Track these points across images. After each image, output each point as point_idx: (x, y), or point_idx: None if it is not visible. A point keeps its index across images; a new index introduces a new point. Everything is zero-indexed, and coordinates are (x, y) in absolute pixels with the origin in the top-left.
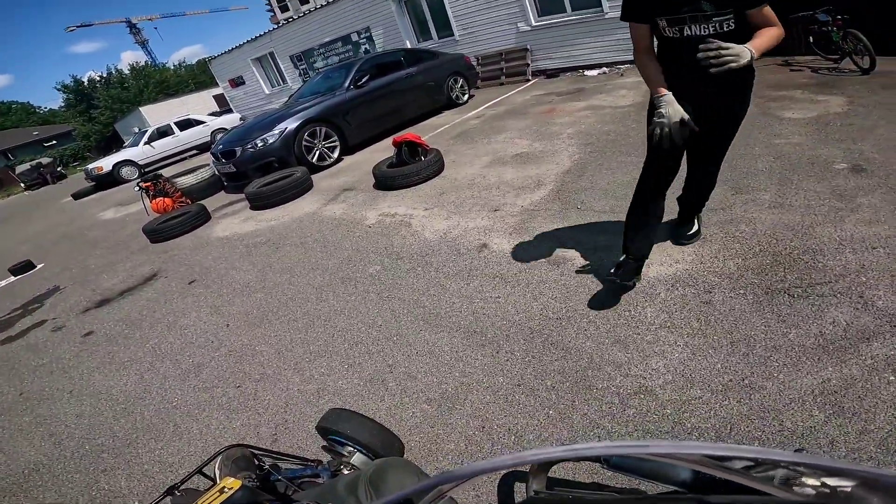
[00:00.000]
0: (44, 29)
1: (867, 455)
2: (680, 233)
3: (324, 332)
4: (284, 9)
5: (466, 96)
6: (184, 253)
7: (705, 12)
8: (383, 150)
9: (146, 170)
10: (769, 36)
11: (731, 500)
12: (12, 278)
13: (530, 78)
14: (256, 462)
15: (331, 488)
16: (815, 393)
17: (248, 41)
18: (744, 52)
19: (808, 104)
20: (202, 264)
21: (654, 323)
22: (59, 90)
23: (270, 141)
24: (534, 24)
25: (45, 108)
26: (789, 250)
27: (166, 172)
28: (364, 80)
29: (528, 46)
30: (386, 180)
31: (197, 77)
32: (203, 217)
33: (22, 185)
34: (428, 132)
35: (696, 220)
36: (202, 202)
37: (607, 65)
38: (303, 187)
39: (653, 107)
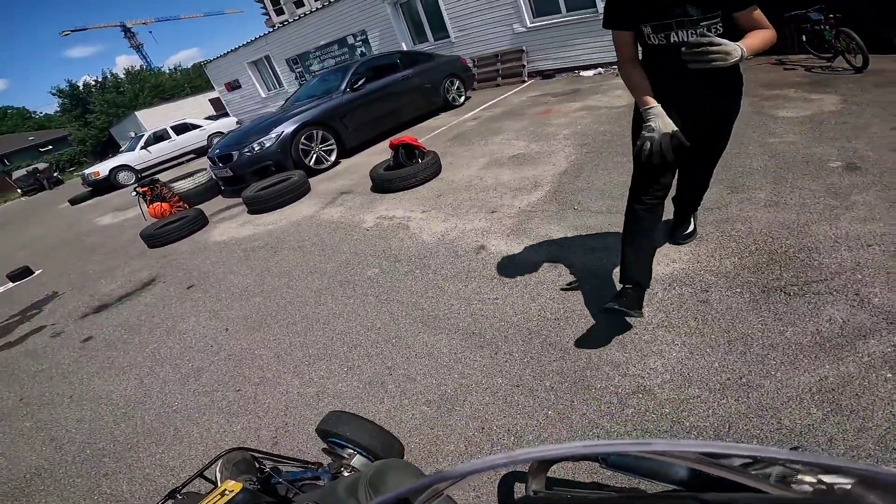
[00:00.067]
0: (38, 33)
1: (865, 452)
2: (676, 233)
3: (323, 336)
4: (280, 12)
5: (463, 98)
6: (182, 258)
7: (692, 17)
8: (380, 152)
9: (143, 175)
10: (762, 37)
11: (729, 497)
12: (10, 284)
13: (526, 79)
14: (257, 465)
15: (331, 490)
16: (813, 391)
17: (243, 44)
18: (734, 50)
19: (801, 103)
20: (200, 269)
21: (652, 322)
22: (54, 95)
23: (267, 145)
24: (529, 25)
25: (41, 112)
26: (785, 248)
27: (163, 177)
28: (360, 82)
29: (524, 48)
30: (383, 183)
31: (193, 81)
32: (201, 221)
33: (18, 190)
34: (425, 134)
35: (691, 220)
36: (199, 207)
37: (603, 65)
38: (300, 191)
39: (640, 119)
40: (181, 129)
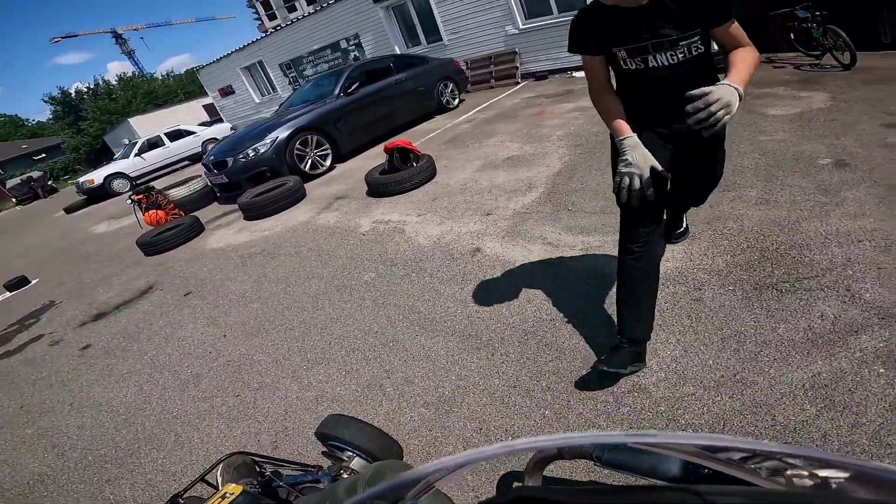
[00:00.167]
0: (28, 40)
1: (860, 448)
2: (669, 232)
3: (321, 340)
4: (272, 17)
5: (457, 101)
6: (178, 265)
7: (670, 37)
8: (375, 156)
9: (137, 182)
10: (748, 63)
11: (722, 490)
12: (7, 294)
13: (519, 81)
14: (258, 469)
15: (331, 492)
16: (806, 387)
17: (236, 50)
18: (732, 97)
19: (791, 101)
20: (197, 276)
21: None
22: (46, 102)
23: (262, 150)
24: (521, 26)
25: (34, 120)
26: (776, 246)
27: (158, 184)
28: (354, 87)
29: (517, 49)
30: (379, 187)
31: (186, 87)
32: (196, 229)
33: (13, 199)
34: (419, 138)
35: (683, 218)
36: (195, 214)
37: None
38: (296, 196)
39: (617, 153)
40: (175, 135)
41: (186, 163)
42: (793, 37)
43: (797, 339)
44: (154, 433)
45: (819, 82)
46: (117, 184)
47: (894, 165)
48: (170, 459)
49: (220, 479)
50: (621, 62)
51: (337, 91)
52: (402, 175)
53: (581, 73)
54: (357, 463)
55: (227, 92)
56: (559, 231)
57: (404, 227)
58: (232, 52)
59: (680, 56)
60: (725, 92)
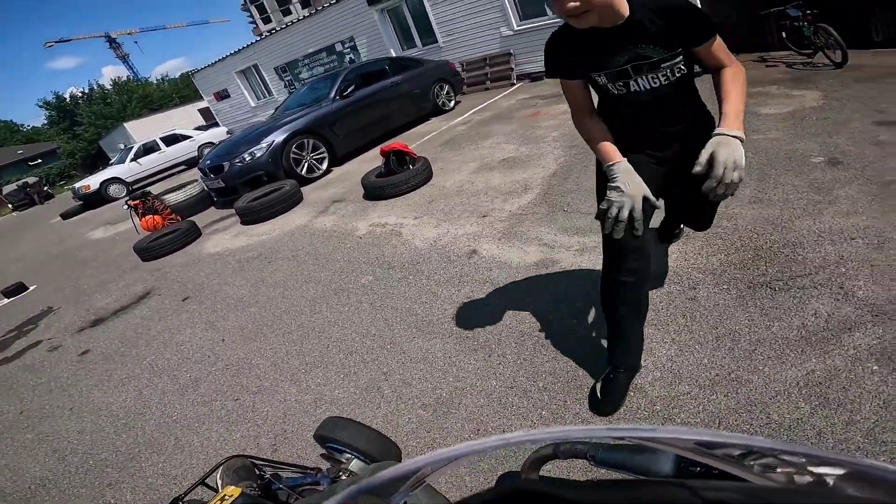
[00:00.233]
0: (21, 45)
1: (854, 445)
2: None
3: (319, 344)
4: (267, 20)
5: (452, 103)
6: (176, 270)
7: (651, 59)
8: (371, 159)
9: (134, 187)
10: (740, 90)
11: (716, 485)
12: (5, 300)
13: (515, 82)
14: (257, 472)
15: (330, 494)
16: (801, 385)
17: (231, 54)
18: (736, 150)
19: (783, 99)
20: (195, 281)
21: None
22: (41, 107)
23: (258, 155)
24: (516, 28)
25: (29, 125)
26: (770, 244)
27: (154, 189)
28: (350, 90)
29: (512, 51)
30: (375, 190)
31: (181, 91)
32: (194, 233)
33: (9, 205)
34: (415, 140)
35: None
36: (192, 218)
37: None
38: (292, 200)
39: (604, 179)
40: (171, 140)
41: (183, 167)
42: (785, 35)
43: (791, 337)
44: (154, 437)
45: (811, 81)
46: (114, 189)
47: (886, 163)
48: (170, 463)
49: (220, 482)
50: (603, 86)
51: (333, 94)
52: (399, 178)
53: None
54: (356, 465)
55: (222, 96)
56: (555, 232)
57: (401, 230)
58: (227, 55)
59: (662, 79)
60: (728, 153)
